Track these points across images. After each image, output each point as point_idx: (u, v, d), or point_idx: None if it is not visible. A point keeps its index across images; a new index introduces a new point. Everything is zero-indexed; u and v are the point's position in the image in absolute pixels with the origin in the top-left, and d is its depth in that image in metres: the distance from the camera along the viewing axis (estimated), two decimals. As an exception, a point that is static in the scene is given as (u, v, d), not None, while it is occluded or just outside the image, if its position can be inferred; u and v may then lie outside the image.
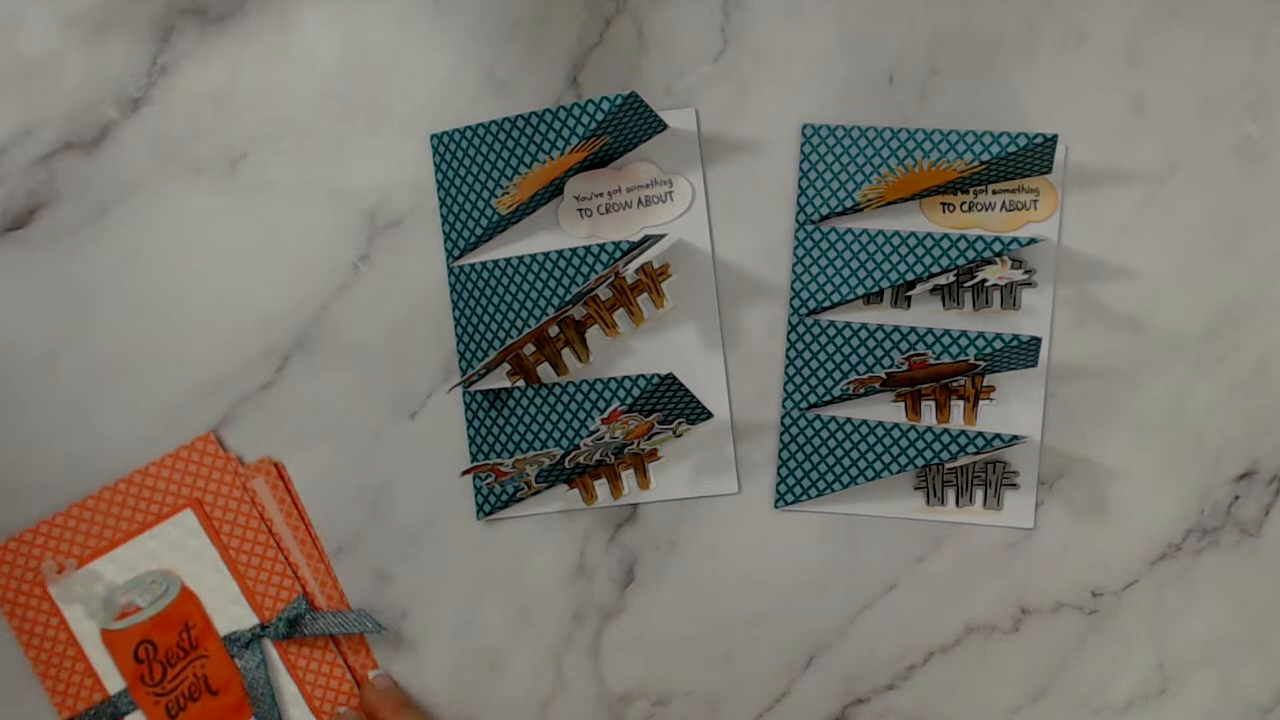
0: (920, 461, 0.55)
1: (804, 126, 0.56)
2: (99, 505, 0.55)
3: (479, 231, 0.56)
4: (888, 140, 0.56)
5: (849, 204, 0.56)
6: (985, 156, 0.54)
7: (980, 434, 0.54)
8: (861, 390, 0.56)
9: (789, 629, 0.57)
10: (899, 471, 0.55)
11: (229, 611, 0.55)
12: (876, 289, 0.55)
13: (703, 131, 0.57)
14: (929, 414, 0.56)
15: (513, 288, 0.56)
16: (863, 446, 0.56)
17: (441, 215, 0.57)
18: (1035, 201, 0.56)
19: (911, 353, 0.54)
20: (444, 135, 0.57)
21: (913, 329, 0.55)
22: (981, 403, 0.56)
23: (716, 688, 0.57)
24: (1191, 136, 0.56)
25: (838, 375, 0.56)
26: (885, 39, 0.56)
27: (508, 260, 0.56)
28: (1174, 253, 0.56)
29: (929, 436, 0.55)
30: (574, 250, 0.55)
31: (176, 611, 0.54)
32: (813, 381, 0.56)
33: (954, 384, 0.56)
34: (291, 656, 0.55)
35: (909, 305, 0.56)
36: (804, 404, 0.57)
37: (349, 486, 0.58)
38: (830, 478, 0.56)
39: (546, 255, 0.56)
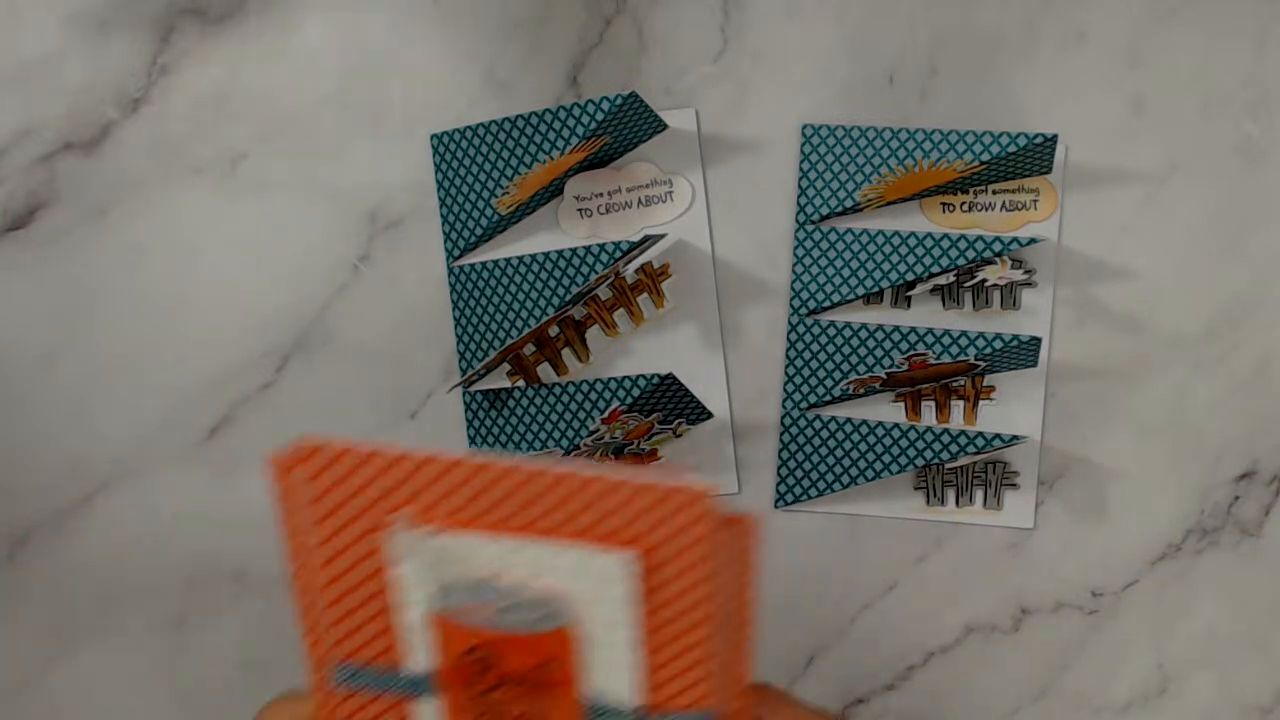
0: (920, 461, 0.55)
1: (804, 126, 0.56)
2: (517, 477, 0.37)
3: (479, 231, 0.56)
4: (888, 140, 0.56)
5: (849, 204, 0.56)
6: (985, 156, 0.54)
7: (980, 434, 0.54)
8: (861, 390, 0.56)
9: (789, 629, 0.57)
10: (899, 472, 0.55)
11: (613, 676, 0.40)
12: (876, 289, 0.55)
13: (703, 131, 0.57)
14: (929, 414, 0.56)
15: (513, 288, 0.56)
16: (863, 447, 0.56)
17: (441, 215, 0.57)
18: (1035, 201, 0.56)
19: (911, 353, 0.54)
20: (444, 135, 0.57)
21: (913, 329, 0.55)
22: (981, 403, 0.56)
23: (716, 688, 0.57)
24: (1191, 136, 0.56)
25: (838, 375, 0.56)
26: (885, 39, 0.56)
27: (508, 260, 0.56)
28: (1174, 253, 0.56)
29: (929, 436, 0.55)
30: (574, 250, 0.55)
31: (543, 643, 0.39)
32: (813, 382, 0.56)
33: (954, 384, 0.56)
34: None
35: (909, 305, 0.56)
36: (804, 404, 0.57)
37: (349, 486, 0.58)
38: (830, 478, 0.56)
39: (546, 255, 0.56)
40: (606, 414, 0.51)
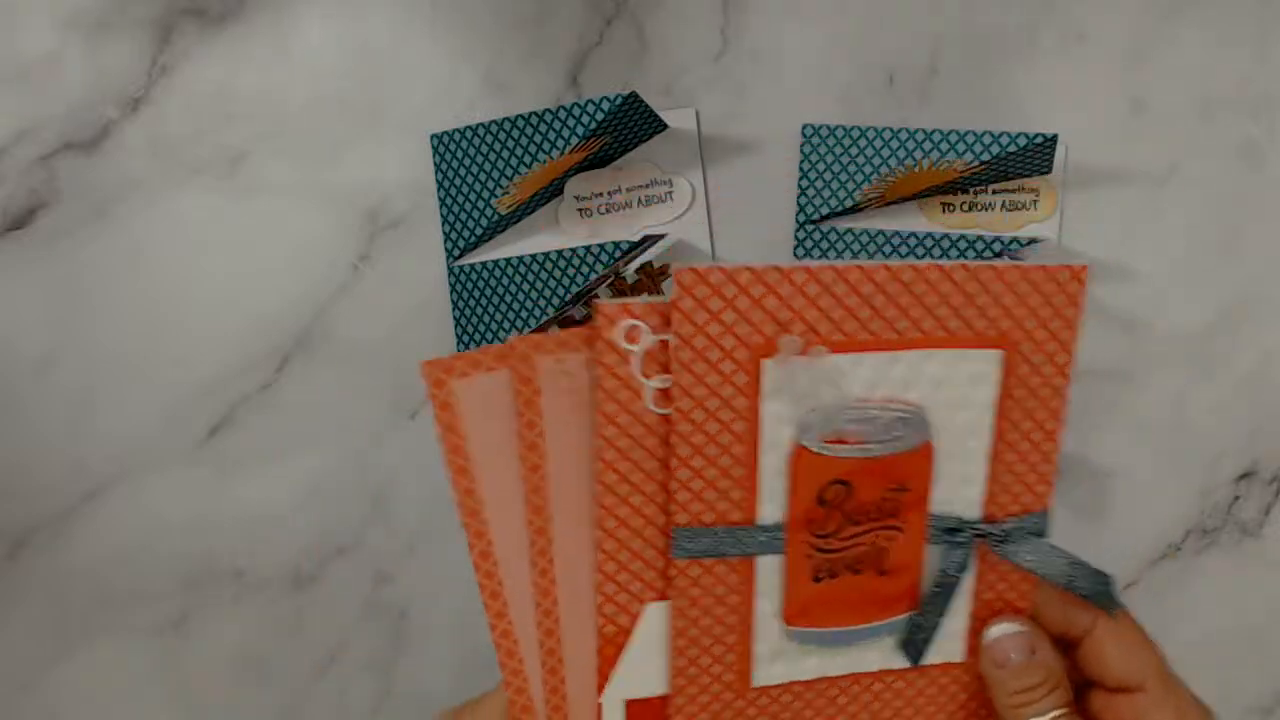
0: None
1: (804, 126, 0.56)
2: (898, 280, 0.35)
3: (479, 231, 0.56)
4: (888, 140, 0.56)
5: (849, 204, 0.56)
6: (985, 156, 0.54)
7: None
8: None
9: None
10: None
11: (957, 489, 0.38)
12: (876, 289, 0.55)
13: (703, 131, 0.57)
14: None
15: (513, 288, 0.56)
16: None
17: (441, 215, 0.57)
18: (1035, 201, 0.56)
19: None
20: (444, 135, 0.57)
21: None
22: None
23: (716, 688, 0.57)
24: (1192, 137, 0.56)
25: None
26: (885, 39, 0.56)
27: (508, 260, 0.56)
28: (1174, 253, 0.56)
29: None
30: (574, 250, 0.55)
31: (902, 465, 0.37)
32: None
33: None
34: (987, 568, 0.39)
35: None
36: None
37: (349, 486, 0.58)
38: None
39: (546, 255, 0.56)
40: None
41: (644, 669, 0.38)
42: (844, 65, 0.57)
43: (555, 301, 0.56)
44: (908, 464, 0.37)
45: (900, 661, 0.39)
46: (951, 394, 0.37)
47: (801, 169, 0.56)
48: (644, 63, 0.57)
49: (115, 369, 0.57)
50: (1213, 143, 0.56)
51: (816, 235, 0.56)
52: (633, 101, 0.52)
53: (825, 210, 0.56)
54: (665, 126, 0.56)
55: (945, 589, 0.38)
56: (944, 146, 0.55)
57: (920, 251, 0.55)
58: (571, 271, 0.55)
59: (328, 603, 0.58)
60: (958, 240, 0.55)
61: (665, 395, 0.35)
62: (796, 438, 0.36)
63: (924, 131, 0.55)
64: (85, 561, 0.58)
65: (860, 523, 0.37)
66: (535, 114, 0.55)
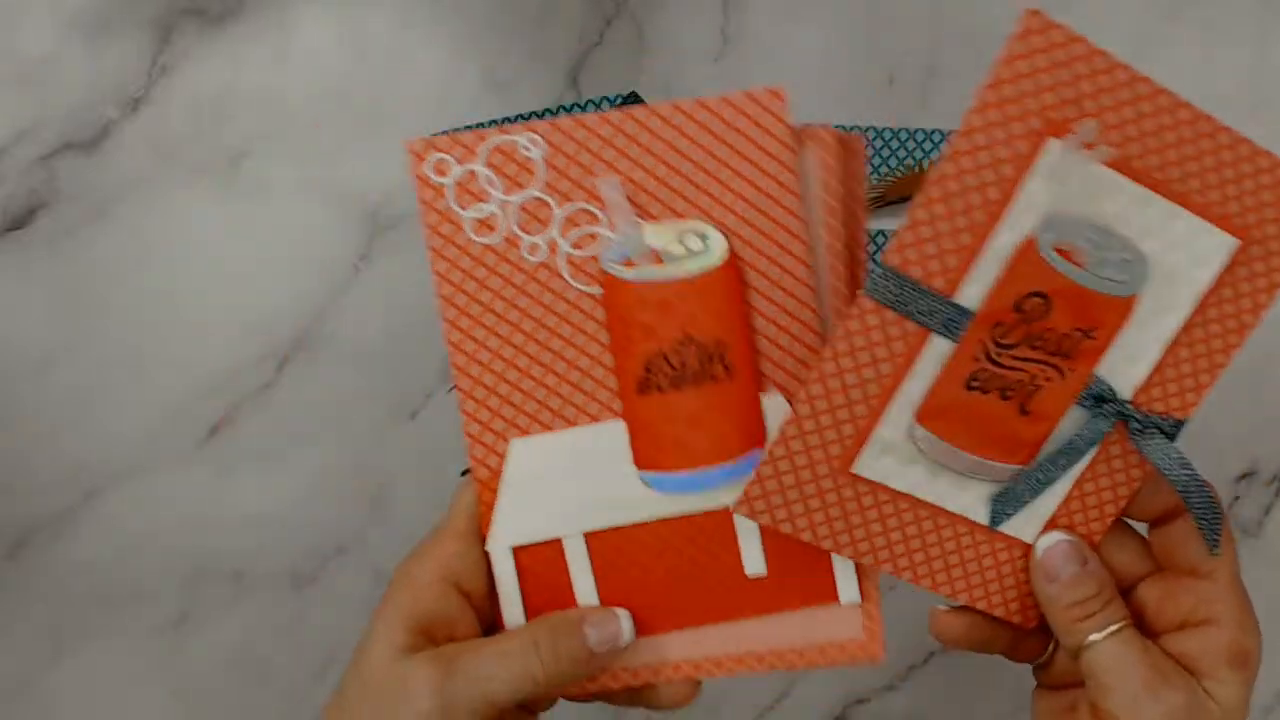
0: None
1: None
2: (1198, 128, 0.37)
3: (479, 231, 0.57)
4: (888, 140, 0.56)
5: (849, 204, 0.56)
6: (985, 156, 0.54)
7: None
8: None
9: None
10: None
11: (1126, 362, 0.38)
12: (876, 289, 0.55)
13: (703, 131, 0.57)
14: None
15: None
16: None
17: (441, 215, 0.57)
18: (1035, 201, 0.56)
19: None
20: (444, 135, 0.57)
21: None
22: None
23: (717, 687, 0.57)
24: (1191, 136, 0.56)
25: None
26: (885, 39, 0.56)
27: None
28: (1174, 253, 0.56)
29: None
30: None
31: (1101, 307, 0.37)
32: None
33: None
34: (1103, 455, 0.39)
35: (909, 305, 0.56)
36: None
37: (349, 486, 0.58)
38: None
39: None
40: None
41: (525, 512, 0.38)
42: (844, 65, 0.57)
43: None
44: (1108, 309, 0.36)
45: (983, 515, 0.39)
46: (1178, 261, 0.36)
47: (801, 169, 0.56)
48: (644, 63, 0.57)
49: (115, 369, 0.57)
50: (1213, 143, 0.56)
51: (816, 235, 0.56)
52: (633, 101, 0.52)
53: (825, 210, 0.56)
54: None
55: (1068, 454, 0.37)
56: (944, 146, 0.55)
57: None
58: None
59: (328, 603, 0.58)
60: (958, 240, 0.55)
61: (485, 225, 0.37)
62: (1035, 230, 0.36)
63: (924, 131, 0.55)
64: (85, 561, 0.58)
65: (1037, 349, 0.37)
66: (535, 114, 0.55)
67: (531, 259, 0.37)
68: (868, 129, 0.56)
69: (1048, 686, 0.40)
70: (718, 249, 0.37)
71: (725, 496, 0.38)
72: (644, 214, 0.37)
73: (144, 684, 0.59)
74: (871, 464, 0.38)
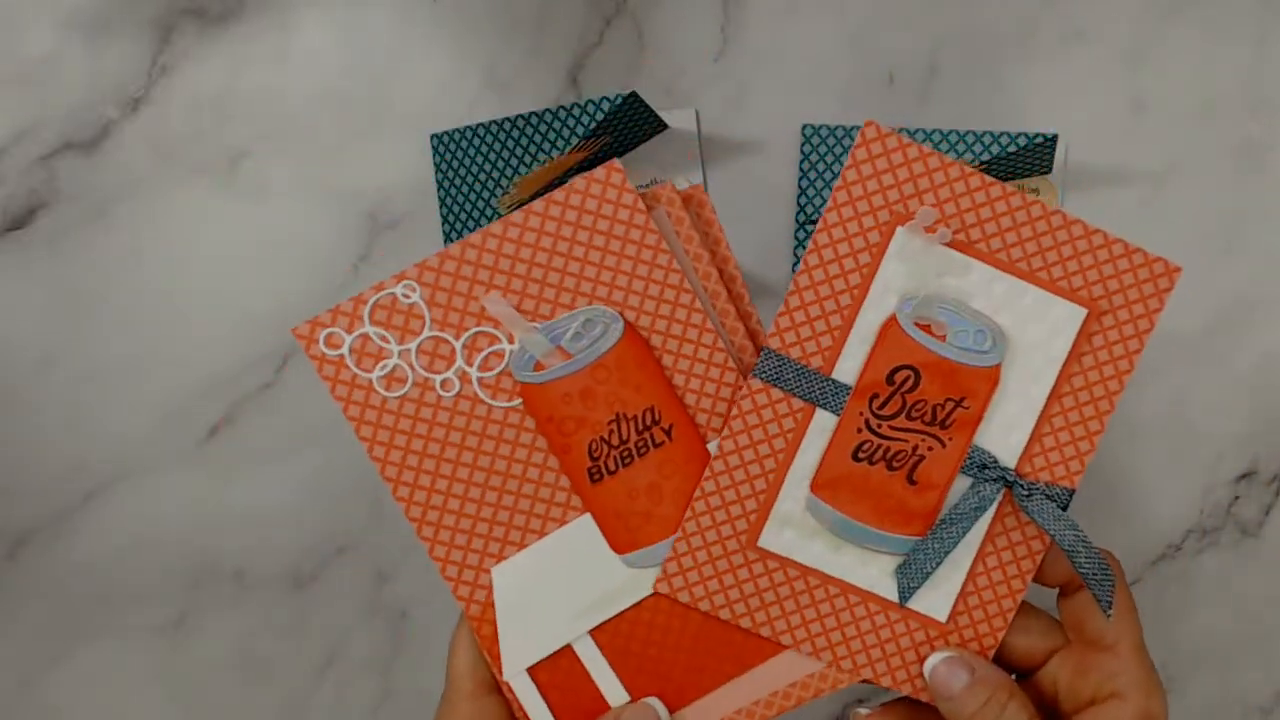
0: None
1: (804, 126, 0.56)
2: (1028, 211, 0.39)
3: (479, 231, 0.56)
4: (888, 140, 0.56)
5: (849, 204, 0.56)
6: (985, 156, 0.54)
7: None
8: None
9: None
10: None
11: (1003, 433, 0.40)
12: (876, 289, 0.55)
13: (703, 131, 0.57)
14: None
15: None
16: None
17: (441, 215, 0.57)
18: (1035, 201, 0.56)
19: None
20: (444, 135, 0.57)
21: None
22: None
23: (716, 688, 0.57)
24: (1191, 137, 0.56)
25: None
26: (885, 39, 0.56)
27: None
28: (1174, 253, 0.56)
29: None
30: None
31: (970, 378, 0.39)
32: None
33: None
34: (999, 530, 0.40)
35: (909, 305, 0.56)
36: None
37: (349, 486, 0.58)
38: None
39: (526, 118, 0.56)
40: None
41: (528, 631, 0.39)
42: (844, 65, 0.57)
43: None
44: (974, 380, 0.39)
45: (891, 591, 0.40)
46: (1033, 334, 0.40)
47: (801, 169, 0.56)
48: (644, 63, 0.57)
49: (115, 369, 0.57)
50: (1213, 143, 0.56)
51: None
52: (633, 101, 0.52)
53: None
54: (665, 126, 0.56)
55: (959, 521, 0.39)
56: (944, 146, 0.55)
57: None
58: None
59: (328, 603, 0.58)
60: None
61: (393, 379, 0.39)
62: (895, 308, 0.39)
63: (924, 131, 0.55)
64: (85, 561, 0.58)
65: (914, 419, 0.40)
66: (535, 114, 0.55)
67: (447, 395, 0.38)
68: (868, 129, 0.56)
69: None
70: (615, 325, 0.38)
71: None
72: (538, 317, 0.38)
73: (144, 684, 0.59)
74: (776, 538, 0.40)
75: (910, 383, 0.40)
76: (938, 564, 0.39)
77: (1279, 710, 0.57)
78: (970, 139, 0.55)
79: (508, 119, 0.56)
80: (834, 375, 0.39)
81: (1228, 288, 0.56)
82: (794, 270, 0.56)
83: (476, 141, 0.56)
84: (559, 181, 0.56)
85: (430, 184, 0.57)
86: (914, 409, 0.40)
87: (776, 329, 0.39)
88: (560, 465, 0.39)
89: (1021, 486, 0.39)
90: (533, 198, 0.56)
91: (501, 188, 0.56)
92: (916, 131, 0.55)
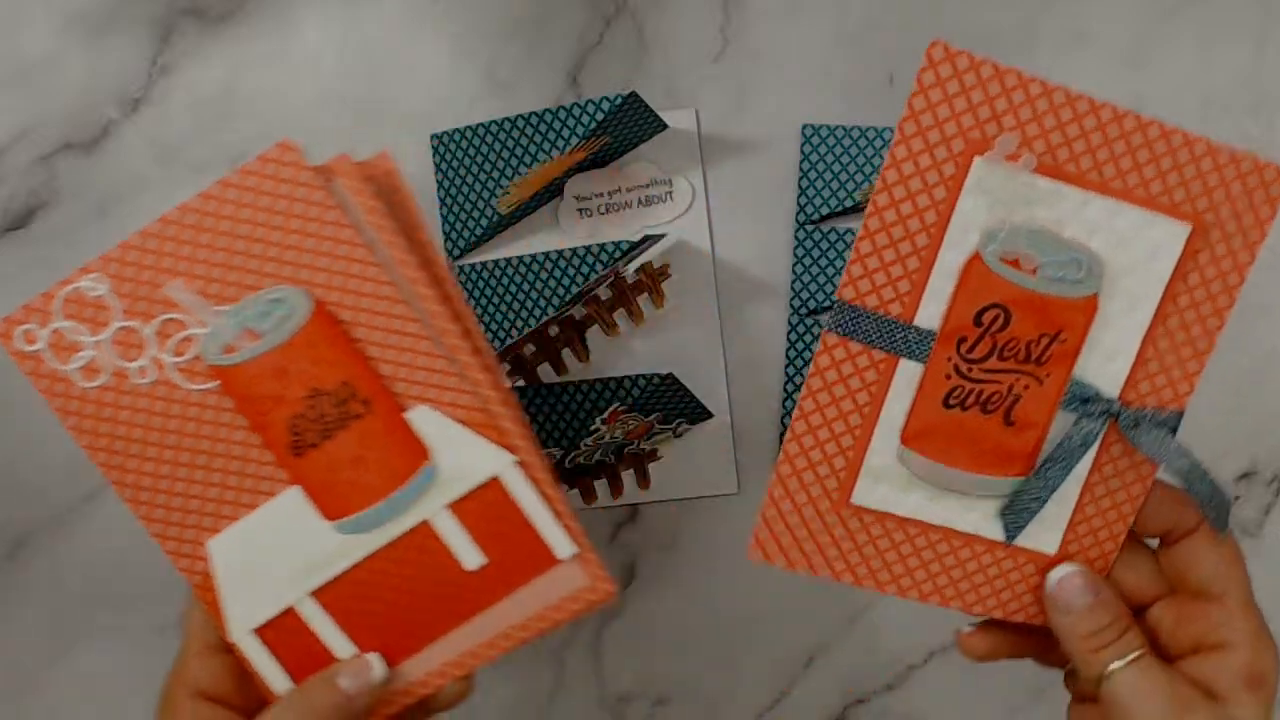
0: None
1: (804, 126, 0.56)
2: (1118, 124, 0.37)
3: (479, 231, 0.56)
4: (888, 140, 0.56)
5: (849, 204, 0.56)
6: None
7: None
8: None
9: (789, 629, 0.57)
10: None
11: (1104, 361, 0.38)
12: (876, 289, 0.55)
13: (703, 131, 0.57)
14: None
15: (513, 287, 0.56)
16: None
17: (441, 215, 0.57)
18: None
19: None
20: (444, 135, 0.57)
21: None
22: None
23: (716, 688, 0.57)
24: (1191, 136, 0.56)
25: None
26: (885, 39, 0.56)
27: (508, 260, 0.56)
28: (1174, 253, 0.56)
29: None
30: (574, 250, 0.55)
31: (1064, 311, 0.37)
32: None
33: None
34: (1107, 459, 0.39)
35: (909, 305, 0.57)
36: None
37: (349, 486, 0.57)
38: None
39: (547, 255, 0.56)
40: (606, 414, 0.51)
41: (249, 596, 0.40)
42: (844, 65, 0.57)
43: (556, 301, 0.56)
44: (1069, 312, 0.37)
45: (996, 532, 0.39)
46: (1131, 256, 0.37)
47: (801, 169, 0.56)
48: (644, 63, 0.57)
49: (115, 369, 0.57)
50: (1213, 143, 0.56)
51: (816, 235, 0.56)
52: (633, 101, 0.52)
53: (825, 210, 0.56)
54: (665, 126, 0.56)
55: (1064, 459, 0.37)
56: (874, 180, 0.55)
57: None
58: (572, 271, 0.55)
59: (328, 603, 0.58)
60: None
61: (90, 370, 0.39)
62: (978, 245, 0.36)
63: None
64: (85, 561, 0.58)
65: (1007, 359, 0.37)
66: (535, 114, 0.55)
67: (144, 381, 0.39)
68: (867, 129, 0.56)
69: (1079, 699, 0.41)
70: (302, 304, 0.38)
71: (412, 516, 0.39)
72: (225, 300, 0.39)
73: (144, 684, 0.59)
74: (869, 493, 0.38)
75: (1000, 322, 0.37)
76: (1044, 503, 0.38)
77: (1278, 710, 0.57)
78: (970, 139, 0.55)
79: (508, 119, 0.56)
80: (916, 323, 0.37)
81: (1228, 288, 0.56)
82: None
83: (476, 141, 0.56)
84: (559, 181, 0.56)
85: (430, 184, 0.57)
86: (1006, 348, 0.37)
87: (849, 277, 0.36)
88: (263, 441, 0.39)
89: (1128, 416, 0.37)
90: (533, 198, 0.56)
91: (501, 188, 0.56)
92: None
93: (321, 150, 0.57)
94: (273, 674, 0.40)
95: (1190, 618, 0.38)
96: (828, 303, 0.56)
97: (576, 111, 0.54)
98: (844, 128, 0.56)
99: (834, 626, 0.57)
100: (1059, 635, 0.38)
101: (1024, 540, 0.39)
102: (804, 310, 0.56)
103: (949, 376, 0.37)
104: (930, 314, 0.37)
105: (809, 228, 0.57)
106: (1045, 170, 0.36)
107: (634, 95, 0.52)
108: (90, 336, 0.39)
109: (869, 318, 0.37)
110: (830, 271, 0.56)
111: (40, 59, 0.57)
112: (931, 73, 0.36)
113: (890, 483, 0.38)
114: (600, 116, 0.53)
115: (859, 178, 0.56)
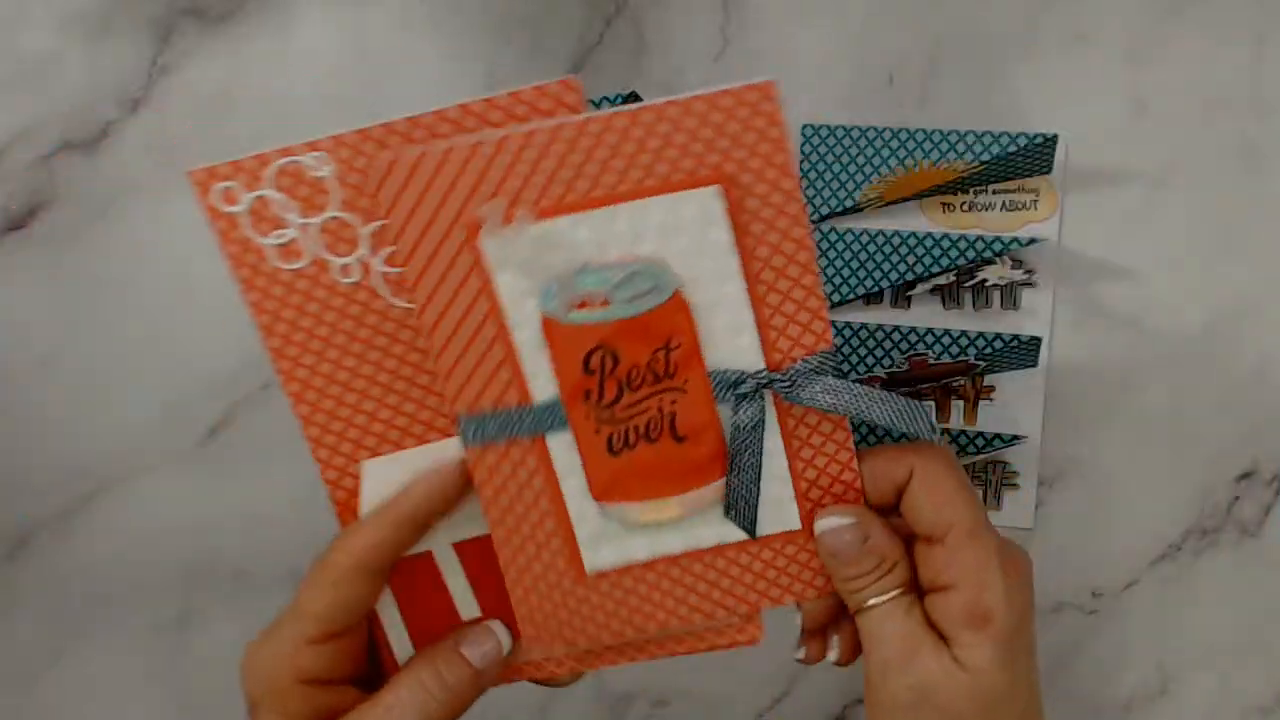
0: (920, 461, 0.55)
1: (804, 126, 0.56)
2: (588, 134, 0.34)
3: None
4: (888, 140, 0.56)
5: (849, 204, 0.56)
6: (986, 157, 0.54)
7: (980, 434, 0.54)
8: (861, 390, 0.56)
9: (789, 629, 0.57)
10: (899, 471, 0.55)
11: (730, 341, 0.37)
12: (876, 289, 0.55)
13: (703, 131, 0.57)
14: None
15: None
16: (862, 448, 0.56)
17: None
18: (1035, 202, 0.56)
19: (911, 353, 0.54)
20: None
21: (913, 329, 0.55)
22: (981, 403, 0.56)
23: (716, 688, 0.57)
24: (1192, 137, 0.56)
25: (838, 375, 0.56)
26: (885, 39, 0.56)
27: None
28: (1174, 253, 0.56)
29: (929, 436, 0.55)
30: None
31: (659, 321, 0.36)
32: (813, 381, 0.56)
33: (954, 384, 0.56)
34: (791, 423, 0.38)
35: (909, 305, 0.56)
36: (804, 404, 0.57)
37: (349, 486, 0.57)
38: (830, 478, 0.56)
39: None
40: None
41: None
42: (844, 65, 0.56)
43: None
44: (664, 319, 0.36)
45: (736, 534, 0.38)
46: (687, 241, 0.35)
47: (801, 169, 0.56)
48: (644, 63, 0.57)
49: (115, 369, 0.57)
50: (1213, 143, 0.56)
51: (816, 235, 0.56)
52: (633, 101, 0.52)
53: (825, 210, 0.56)
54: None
55: (747, 446, 0.37)
56: (944, 146, 0.55)
57: (920, 251, 0.55)
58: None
59: (328, 603, 0.58)
60: (958, 240, 0.55)
61: (289, 250, 0.36)
62: (541, 309, 0.35)
63: (924, 131, 0.55)
64: (85, 561, 0.58)
65: (638, 388, 0.36)
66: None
67: (345, 280, 0.36)
68: (867, 129, 0.56)
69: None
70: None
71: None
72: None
73: (144, 684, 0.59)
74: (599, 559, 0.38)
75: (610, 362, 0.36)
76: (757, 489, 0.37)
77: (1278, 710, 0.57)
78: (970, 139, 0.55)
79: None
80: (535, 402, 0.36)
81: (1228, 288, 0.56)
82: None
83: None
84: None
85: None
86: (631, 380, 0.36)
87: (453, 393, 0.36)
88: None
89: (781, 381, 0.36)
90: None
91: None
92: (917, 131, 0.55)
93: (321, 150, 0.57)
94: (389, 614, 0.38)
95: (923, 561, 0.38)
96: (827, 302, 0.56)
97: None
98: (844, 128, 0.56)
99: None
100: (826, 567, 0.39)
101: (766, 529, 0.38)
102: (804, 310, 0.56)
103: (599, 429, 0.36)
104: (543, 387, 0.36)
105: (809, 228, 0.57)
106: (550, 212, 0.35)
107: (634, 95, 0.52)
108: (299, 217, 0.36)
109: (492, 418, 0.36)
110: (830, 271, 0.56)
111: (40, 59, 0.57)
112: (391, 183, 0.34)
113: (611, 541, 0.38)
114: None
115: (859, 178, 0.56)
